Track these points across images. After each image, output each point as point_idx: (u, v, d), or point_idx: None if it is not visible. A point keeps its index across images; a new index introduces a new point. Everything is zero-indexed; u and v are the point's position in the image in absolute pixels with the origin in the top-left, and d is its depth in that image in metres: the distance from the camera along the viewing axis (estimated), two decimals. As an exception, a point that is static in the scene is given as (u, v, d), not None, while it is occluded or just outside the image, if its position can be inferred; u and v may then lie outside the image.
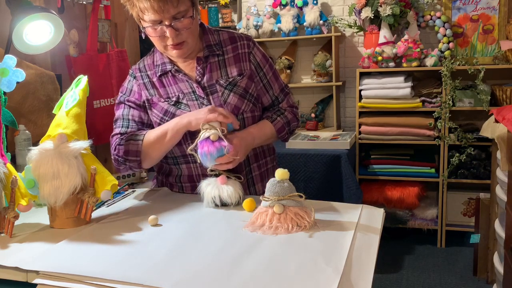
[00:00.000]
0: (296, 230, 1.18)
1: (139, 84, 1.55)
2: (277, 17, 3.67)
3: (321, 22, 3.54)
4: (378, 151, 3.43)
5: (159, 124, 1.52)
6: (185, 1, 1.39)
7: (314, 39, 3.65)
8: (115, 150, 1.50)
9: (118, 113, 1.56)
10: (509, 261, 1.98)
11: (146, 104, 1.54)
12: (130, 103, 1.55)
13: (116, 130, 1.54)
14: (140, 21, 1.43)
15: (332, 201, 1.42)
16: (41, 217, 1.37)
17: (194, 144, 1.38)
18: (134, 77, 1.56)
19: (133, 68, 1.59)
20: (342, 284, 0.92)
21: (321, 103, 3.80)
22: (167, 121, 1.50)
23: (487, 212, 2.73)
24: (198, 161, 1.38)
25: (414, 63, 3.25)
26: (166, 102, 1.51)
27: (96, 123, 2.22)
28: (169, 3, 1.34)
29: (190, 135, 1.49)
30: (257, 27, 3.66)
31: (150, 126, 1.55)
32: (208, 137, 1.35)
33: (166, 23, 1.37)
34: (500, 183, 2.25)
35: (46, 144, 1.30)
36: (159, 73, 1.52)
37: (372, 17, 3.32)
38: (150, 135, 1.48)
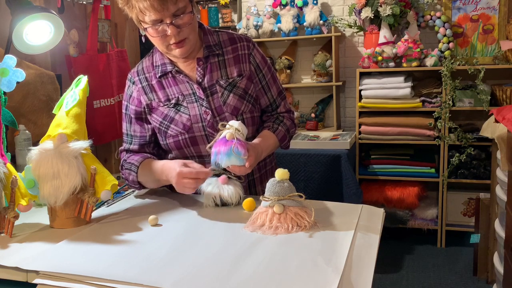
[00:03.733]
0: (296, 230, 1.18)
1: (138, 90, 1.55)
2: (277, 17, 3.67)
3: (321, 22, 3.54)
4: (378, 151, 3.43)
5: (159, 129, 1.53)
6: None
7: (314, 39, 3.65)
8: (121, 168, 1.57)
9: (123, 126, 1.61)
10: (509, 261, 1.98)
11: (146, 109, 1.54)
12: (131, 114, 1.56)
13: (123, 145, 1.61)
14: (140, 23, 1.42)
15: (332, 201, 1.42)
16: (41, 217, 1.37)
17: (212, 142, 1.35)
18: (133, 82, 1.56)
19: (131, 72, 1.59)
20: (342, 284, 0.92)
21: (321, 103, 3.80)
22: (166, 125, 1.51)
23: (487, 212, 2.73)
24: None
25: (414, 63, 3.25)
26: (165, 106, 1.51)
27: (96, 123, 2.22)
28: (168, 1, 1.34)
29: (192, 142, 1.49)
30: (257, 27, 3.66)
31: (153, 135, 1.57)
32: (224, 136, 1.33)
33: (167, 21, 1.37)
34: (500, 183, 2.25)
35: (46, 144, 1.30)
36: (159, 74, 1.52)
37: (372, 17, 3.32)
38: (144, 173, 1.50)
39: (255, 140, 1.48)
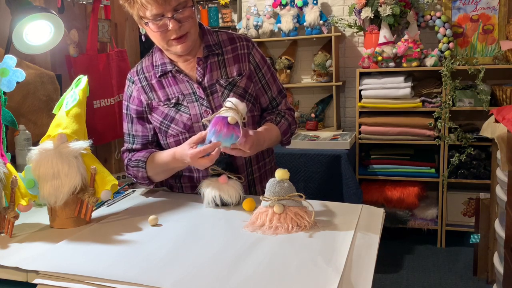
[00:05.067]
0: (296, 230, 1.18)
1: (138, 89, 1.55)
2: (277, 17, 3.67)
3: (321, 22, 3.54)
4: (378, 151, 3.43)
5: (160, 128, 1.53)
6: None
7: (314, 39, 3.65)
8: (126, 168, 1.58)
9: (124, 126, 1.60)
10: (509, 261, 1.98)
11: (146, 109, 1.54)
12: (133, 114, 1.56)
13: (124, 146, 1.61)
14: (141, 19, 1.42)
15: (332, 201, 1.42)
16: (41, 217, 1.37)
17: (212, 116, 1.34)
18: (133, 82, 1.56)
19: (131, 72, 1.59)
20: (342, 284, 0.92)
21: (321, 103, 3.80)
22: (167, 125, 1.51)
23: (487, 212, 2.73)
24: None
25: (414, 63, 3.25)
26: (166, 106, 1.51)
27: (96, 123, 2.22)
28: None
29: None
30: (257, 27, 3.66)
31: (155, 134, 1.57)
32: (226, 117, 1.30)
33: (168, 15, 1.37)
34: (500, 183, 2.25)
35: (46, 144, 1.30)
36: (159, 74, 1.52)
37: (372, 17, 3.32)
38: (154, 165, 1.51)
39: (259, 129, 1.48)
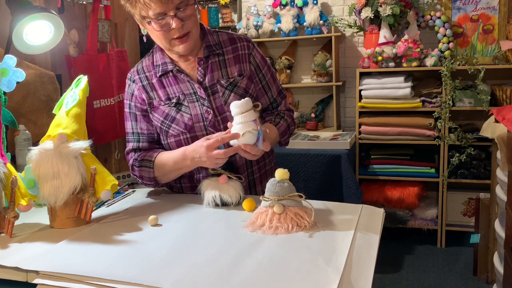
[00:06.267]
0: (296, 230, 1.18)
1: (138, 88, 1.54)
2: (277, 17, 3.67)
3: (321, 22, 3.54)
4: (378, 151, 3.43)
5: (161, 128, 1.52)
6: None
7: (314, 39, 3.65)
8: (132, 169, 1.56)
9: (127, 125, 1.59)
10: (509, 261, 1.98)
11: (148, 108, 1.54)
12: (137, 112, 1.56)
13: (129, 146, 1.58)
14: (143, 19, 1.41)
15: (332, 201, 1.42)
16: (41, 217, 1.37)
17: (259, 124, 1.36)
18: (133, 81, 1.56)
19: (131, 72, 1.58)
20: (342, 284, 0.92)
21: (321, 103, 3.80)
22: (168, 125, 1.50)
23: (487, 212, 2.73)
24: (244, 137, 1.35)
25: (414, 63, 3.25)
26: (166, 105, 1.51)
27: (96, 123, 2.22)
28: None
29: (193, 141, 1.49)
30: (257, 27, 3.66)
31: (158, 133, 1.57)
32: (256, 119, 1.36)
33: (171, 13, 1.37)
34: (500, 183, 2.25)
35: (46, 144, 1.30)
36: (159, 73, 1.52)
37: (372, 17, 3.32)
38: (162, 164, 1.50)
39: None
